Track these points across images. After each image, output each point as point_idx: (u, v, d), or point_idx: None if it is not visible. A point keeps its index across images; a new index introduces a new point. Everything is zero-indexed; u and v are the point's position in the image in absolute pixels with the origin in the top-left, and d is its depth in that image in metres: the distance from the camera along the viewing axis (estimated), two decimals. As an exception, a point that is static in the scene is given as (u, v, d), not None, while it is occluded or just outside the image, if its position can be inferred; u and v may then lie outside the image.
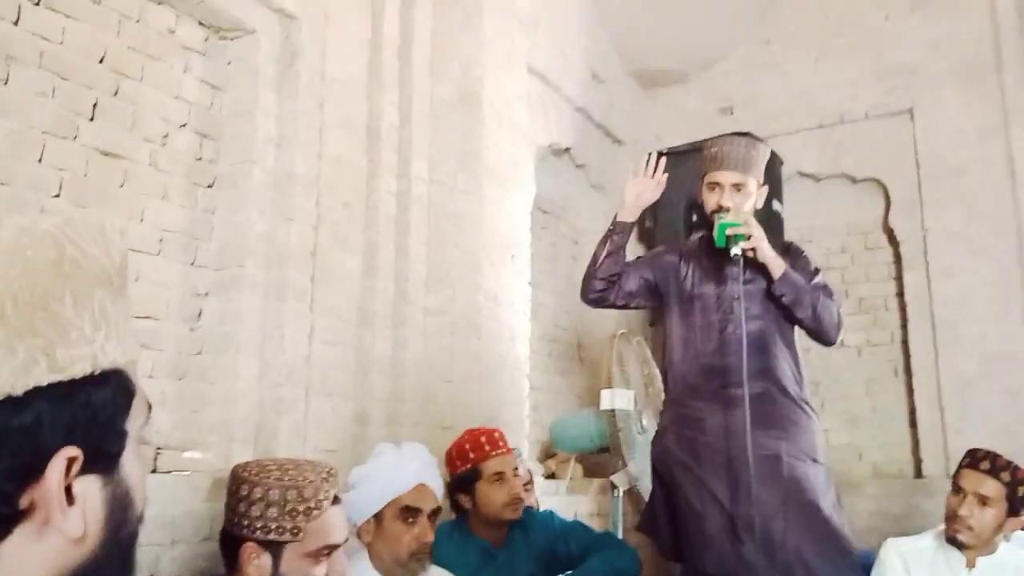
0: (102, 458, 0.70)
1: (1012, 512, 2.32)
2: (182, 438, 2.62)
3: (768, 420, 2.51)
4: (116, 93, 2.54)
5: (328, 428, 2.92)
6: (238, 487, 1.64)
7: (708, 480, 2.53)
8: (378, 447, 2.26)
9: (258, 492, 1.62)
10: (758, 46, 5.42)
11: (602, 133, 5.09)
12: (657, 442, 2.72)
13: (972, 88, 4.77)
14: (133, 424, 0.77)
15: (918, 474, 4.68)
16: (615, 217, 2.73)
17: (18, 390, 0.62)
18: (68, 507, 0.67)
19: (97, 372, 0.67)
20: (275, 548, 1.62)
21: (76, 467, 0.67)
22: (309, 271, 2.91)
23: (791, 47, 5.33)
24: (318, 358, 2.91)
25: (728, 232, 2.50)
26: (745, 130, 4.66)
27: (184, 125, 2.76)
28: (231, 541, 1.65)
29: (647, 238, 5.14)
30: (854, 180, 5.12)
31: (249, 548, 1.62)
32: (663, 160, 2.69)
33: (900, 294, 4.93)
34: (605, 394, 3.44)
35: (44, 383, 0.63)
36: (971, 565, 2.36)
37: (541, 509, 2.86)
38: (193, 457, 2.58)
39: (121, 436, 0.74)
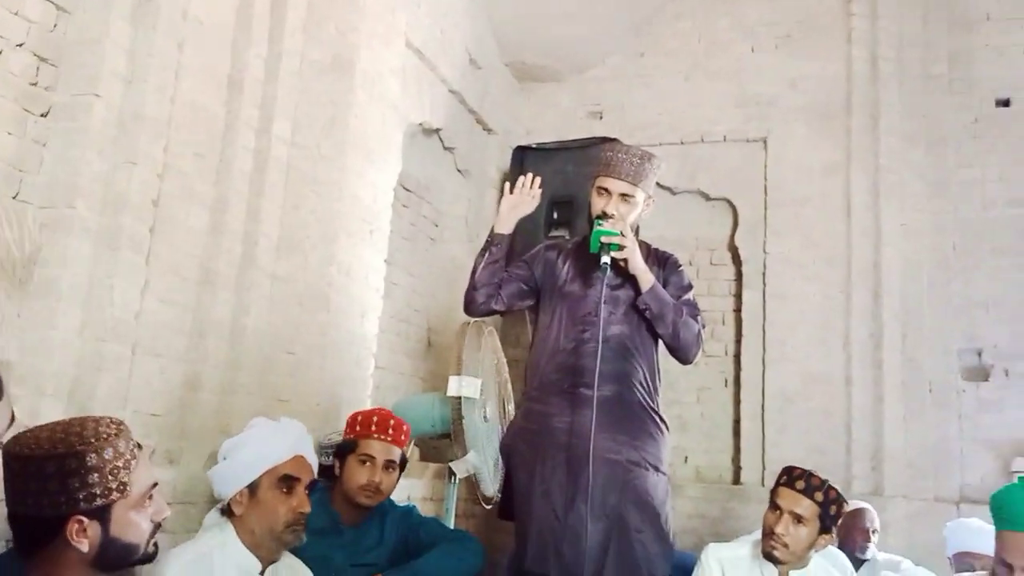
0: None
1: (824, 530, 2.44)
2: (-18, 388, 2.37)
3: (615, 425, 2.54)
4: (-56, -3, 2.26)
5: (154, 391, 2.73)
6: (40, 467, 1.46)
7: (544, 477, 2.54)
8: (253, 420, 2.19)
9: (72, 463, 1.47)
10: (633, 57, 5.57)
11: (474, 119, 5.07)
12: (506, 433, 2.76)
13: (822, 127, 5.10)
14: None
15: (736, 480, 4.96)
16: (492, 229, 2.72)
17: None
18: None
19: None
20: (102, 512, 1.50)
21: None
22: (149, 221, 2.70)
23: (663, 64, 5.51)
24: (150, 315, 2.70)
25: (603, 239, 2.52)
26: (612, 136, 4.78)
27: (21, 45, 2.49)
28: (38, 525, 1.49)
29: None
30: (708, 198, 5.35)
31: (73, 524, 1.48)
32: (538, 179, 2.70)
33: (738, 310, 5.20)
34: (453, 380, 3.40)
35: None
36: None
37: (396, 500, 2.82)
38: (-7, 409, 2.33)
39: None
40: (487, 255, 2.70)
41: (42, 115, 2.55)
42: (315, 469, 2.17)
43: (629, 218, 2.61)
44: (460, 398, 3.43)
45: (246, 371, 3.03)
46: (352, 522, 2.57)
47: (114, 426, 1.55)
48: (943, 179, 4.89)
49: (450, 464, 3.53)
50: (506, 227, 2.70)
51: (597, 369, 2.47)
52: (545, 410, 2.61)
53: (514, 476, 2.66)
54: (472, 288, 2.72)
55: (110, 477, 1.50)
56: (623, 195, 2.60)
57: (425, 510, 3.98)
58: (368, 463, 2.54)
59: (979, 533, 3.29)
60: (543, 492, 2.53)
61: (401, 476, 2.68)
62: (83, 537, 1.49)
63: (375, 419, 2.60)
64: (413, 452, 3.98)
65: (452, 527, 3.73)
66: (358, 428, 2.60)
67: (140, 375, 2.67)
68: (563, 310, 2.68)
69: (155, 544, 1.61)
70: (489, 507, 3.48)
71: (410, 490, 3.89)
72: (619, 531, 2.50)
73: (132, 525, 1.54)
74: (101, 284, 2.54)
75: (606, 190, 2.62)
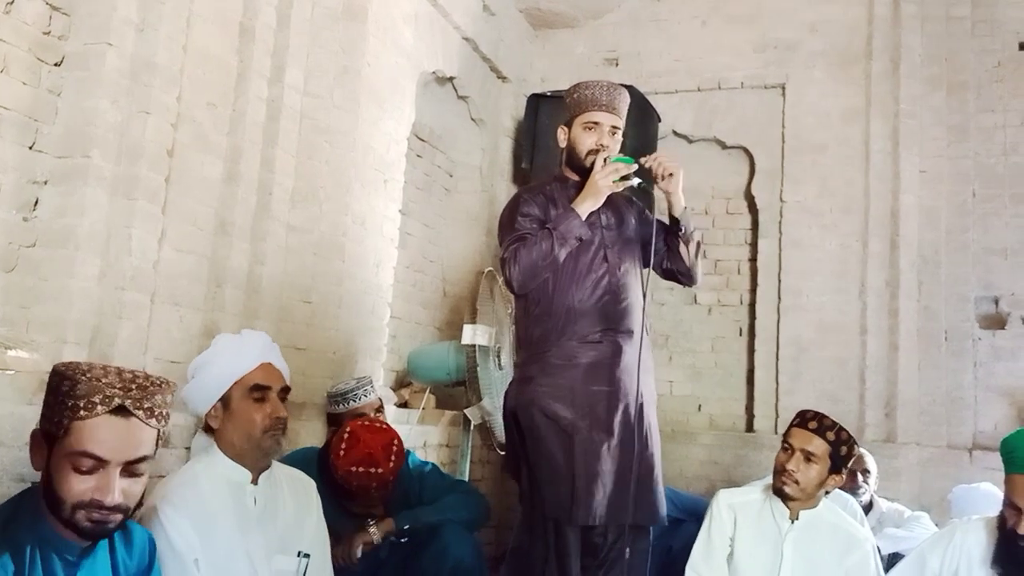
0: None
1: (834, 470, 2.49)
2: (7, 335, 2.41)
3: (635, 364, 2.53)
4: (-46, -55, 2.25)
5: (173, 339, 2.78)
6: (58, 382, 1.52)
7: (581, 428, 2.45)
8: (216, 337, 2.16)
9: (63, 384, 1.50)
10: (649, 2, 5.46)
11: (488, 67, 5.01)
12: (522, 390, 2.54)
13: (841, 72, 5.01)
14: None
15: (749, 428, 4.99)
16: (578, 213, 2.50)
17: None
18: None
19: None
20: (50, 442, 1.52)
21: None
22: (164, 171, 2.71)
23: (680, 8, 5.40)
24: (168, 264, 2.74)
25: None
26: (627, 83, 4.72)
27: (32, -8, 2.49)
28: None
29: (521, 179, 5.15)
30: (724, 146, 5.29)
31: (35, 436, 1.54)
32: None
33: (753, 260, 5.17)
34: (467, 329, 3.44)
35: None
36: (794, 517, 2.51)
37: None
38: (19, 356, 2.38)
39: None
40: (563, 246, 2.49)
41: (56, 64, 2.55)
42: (287, 376, 2.12)
43: (617, 150, 2.60)
44: (475, 346, 3.47)
45: (263, 320, 3.06)
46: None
47: (122, 378, 1.53)
48: (964, 124, 4.79)
49: (465, 411, 3.59)
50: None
51: (619, 313, 2.51)
52: (574, 362, 2.51)
53: (542, 435, 2.47)
54: (541, 269, 2.50)
55: (57, 409, 1.51)
56: (612, 127, 2.58)
57: (440, 456, 4.05)
58: (360, 490, 2.50)
59: (985, 500, 3.28)
60: (586, 447, 2.44)
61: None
62: (37, 450, 1.55)
63: (375, 486, 2.49)
64: (429, 400, 4.03)
65: (467, 472, 3.81)
66: (354, 484, 2.48)
67: (159, 323, 2.71)
68: (569, 258, 2.54)
69: None
70: (503, 453, 3.53)
71: (426, 436, 3.96)
72: (645, 469, 2.49)
73: (59, 474, 1.51)
74: (119, 233, 2.57)
75: (597, 124, 2.57)
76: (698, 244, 2.65)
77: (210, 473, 1.98)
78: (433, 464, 2.86)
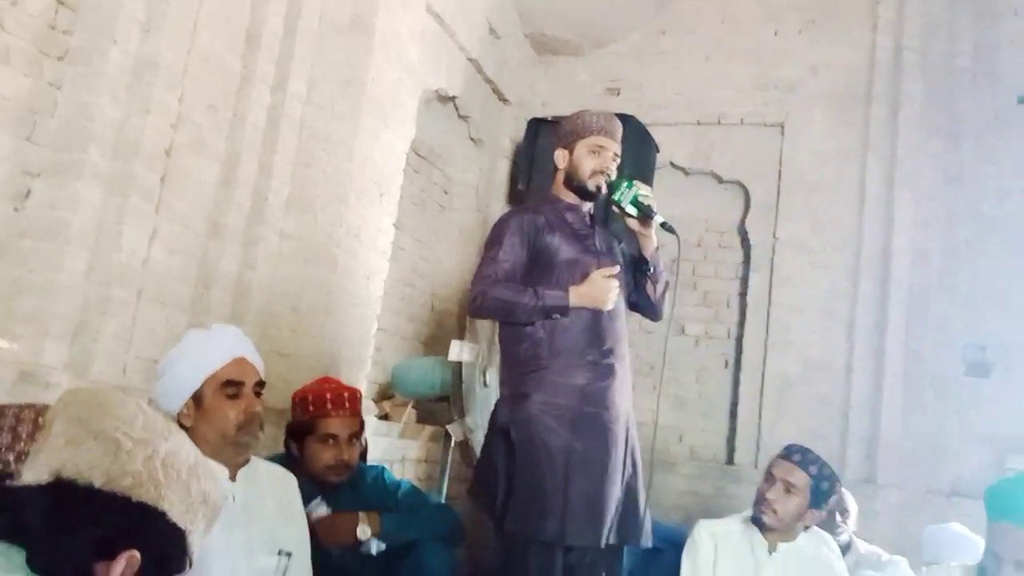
0: None
1: (814, 504, 2.51)
2: (-11, 324, 2.41)
3: (624, 387, 2.58)
4: (-36, -64, 2.27)
5: (158, 338, 2.77)
6: None
7: (577, 449, 2.43)
8: (185, 333, 2.09)
9: None
10: (654, 35, 5.52)
11: (490, 89, 5.05)
12: (517, 406, 2.51)
13: (840, 114, 5.06)
14: None
15: (730, 460, 4.99)
16: (565, 299, 2.51)
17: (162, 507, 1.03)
18: None
19: (189, 537, 1.07)
20: None
21: (132, 570, 0.97)
22: (160, 170, 2.72)
23: (684, 42, 5.46)
24: (157, 264, 2.74)
25: (641, 199, 2.53)
26: (628, 113, 4.77)
27: (40, -14, 2.50)
28: None
29: (517, 200, 5.17)
30: (720, 180, 5.33)
31: None
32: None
33: (743, 294, 5.19)
34: (455, 345, 3.44)
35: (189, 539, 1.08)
36: (772, 549, 2.53)
37: (371, 462, 2.80)
38: (-1, 347, 2.37)
39: None
40: (538, 311, 2.50)
41: (58, 58, 2.57)
42: (261, 369, 2.05)
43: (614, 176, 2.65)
44: (460, 362, 3.47)
45: (249, 324, 3.06)
46: (326, 491, 2.48)
47: None
48: (959, 172, 4.85)
49: (447, 427, 3.58)
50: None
51: (613, 336, 2.54)
52: (571, 383, 2.50)
53: (538, 453, 2.45)
54: (491, 313, 2.60)
55: None
56: (615, 155, 2.64)
57: (419, 472, 4.03)
58: (332, 441, 2.45)
59: (958, 540, 3.26)
60: (581, 466, 2.43)
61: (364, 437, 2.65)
62: None
63: (329, 396, 2.46)
64: (410, 414, 4.02)
65: (445, 489, 3.79)
66: (311, 408, 2.46)
67: (144, 322, 2.70)
68: (566, 279, 2.55)
69: None
70: (474, 471, 3.51)
71: (405, 451, 3.94)
72: (629, 490, 2.51)
73: None
74: (110, 230, 2.57)
75: (603, 149, 2.61)
76: (666, 284, 2.71)
77: None
78: (409, 482, 2.83)
